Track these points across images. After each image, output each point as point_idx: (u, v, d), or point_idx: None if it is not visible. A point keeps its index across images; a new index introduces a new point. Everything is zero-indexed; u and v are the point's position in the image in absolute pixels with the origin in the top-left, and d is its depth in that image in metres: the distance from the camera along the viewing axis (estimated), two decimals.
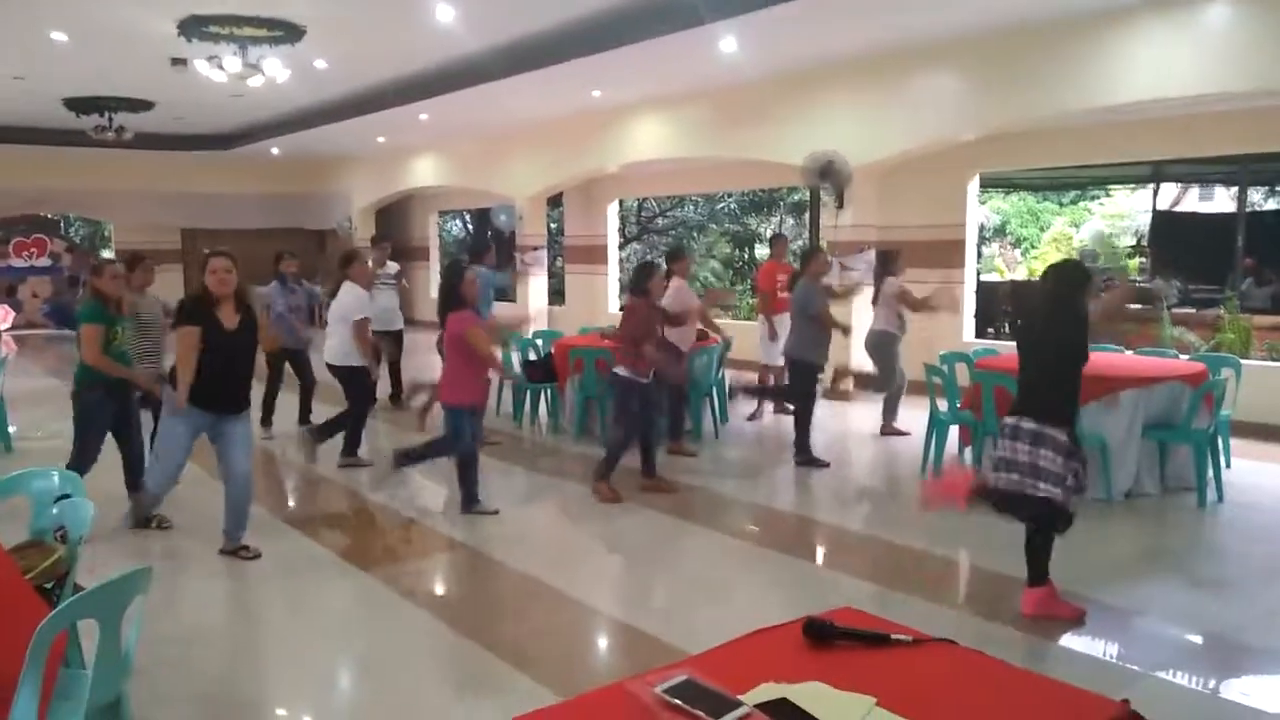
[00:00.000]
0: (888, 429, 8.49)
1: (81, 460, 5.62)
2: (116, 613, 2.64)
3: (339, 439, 7.55)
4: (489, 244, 20.65)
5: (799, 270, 8.05)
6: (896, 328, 8.29)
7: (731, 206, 20.98)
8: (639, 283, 6.70)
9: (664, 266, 7.35)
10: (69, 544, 3.33)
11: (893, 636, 2.19)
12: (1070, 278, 4.45)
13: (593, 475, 6.68)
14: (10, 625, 2.74)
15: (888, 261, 8.53)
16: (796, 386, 7.53)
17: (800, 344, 7.46)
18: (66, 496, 3.55)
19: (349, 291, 7.40)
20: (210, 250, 5.27)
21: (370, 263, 9.96)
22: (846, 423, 9.07)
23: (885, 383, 8.41)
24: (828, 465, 7.40)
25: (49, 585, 3.17)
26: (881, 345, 8.35)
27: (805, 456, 7.41)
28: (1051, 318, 4.39)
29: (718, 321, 9.03)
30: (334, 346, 7.36)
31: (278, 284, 8.39)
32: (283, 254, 8.69)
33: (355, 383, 7.40)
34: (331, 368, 7.39)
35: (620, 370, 6.55)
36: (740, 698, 1.79)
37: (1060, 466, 4.22)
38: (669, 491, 6.68)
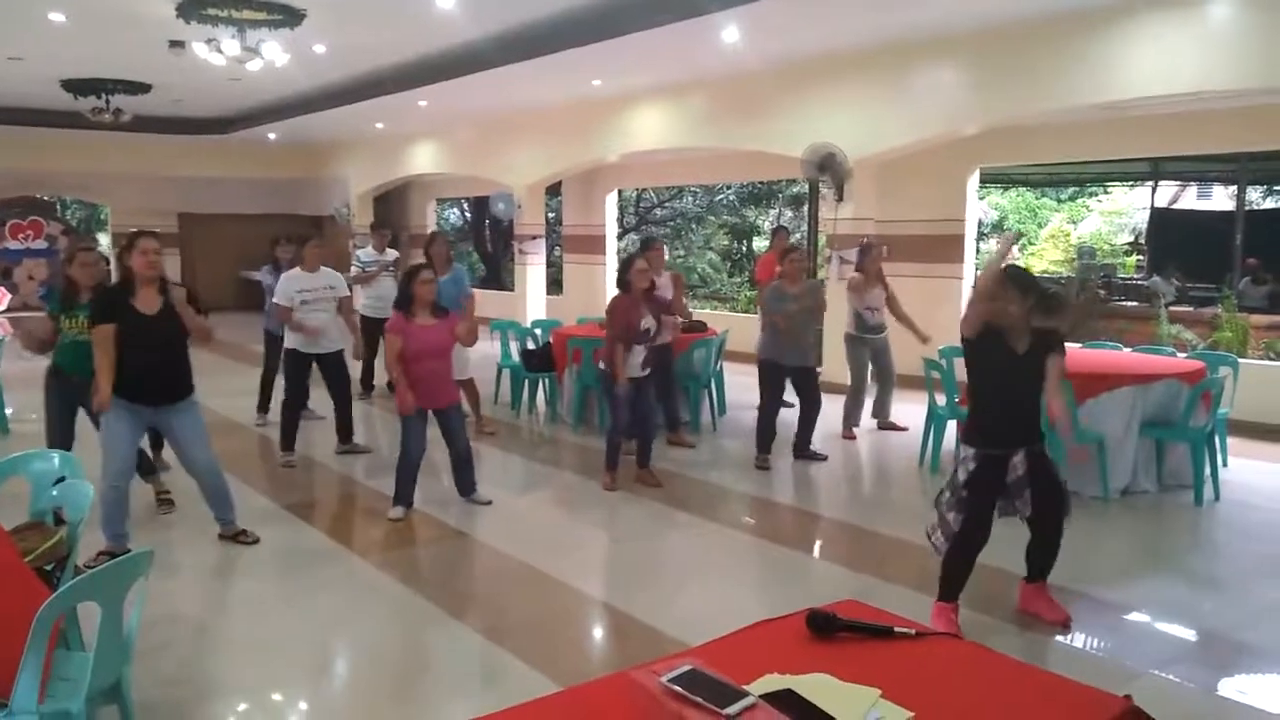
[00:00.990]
0: (884, 424, 8.47)
1: (50, 440, 5.49)
2: (119, 595, 2.64)
3: (332, 430, 7.55)
4: (484, 228, 20.63)
5: (780, 271, 7.72)
6: (856, 328, 8.07)
7: (730, 198, 20.96)
8: (619, 276, 6.72)
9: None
10: (69, 526, 3.33)
11: (896, 629, 2.20)
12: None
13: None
14: (8, 607, 2.73)
15: (860, 255, 8.33)
16: (761, 386, 7.32)
17: (766, 343, 7.24)
18: (61, 480, 3.55)
19: (286, 275, 7.36)
20: (138, 229, 5.03)
21: (370, 248, 10.03)
22: (840, 417, 9.03)
23: (852, 386, 8.21)
24: (825, 458, 7.39)
25: (49, 567, 3.17)
26: (848, 350, 8.20)
27: (764, 456, 7.25)
28: None
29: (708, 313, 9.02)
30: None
31: (269, 268, 8.36)
32: (279, 239, 8.66)
33: (331, 366, 7.34)
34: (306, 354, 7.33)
35: (603, 365, 6.61)
36: (746, 688, 1.79)
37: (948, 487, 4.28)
38: (655, 486, 6.65)
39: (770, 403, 7.30)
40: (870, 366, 8.23)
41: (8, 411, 8.18)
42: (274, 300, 7.37)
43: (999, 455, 4.15)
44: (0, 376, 8.14)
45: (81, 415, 5.53)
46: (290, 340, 7.25)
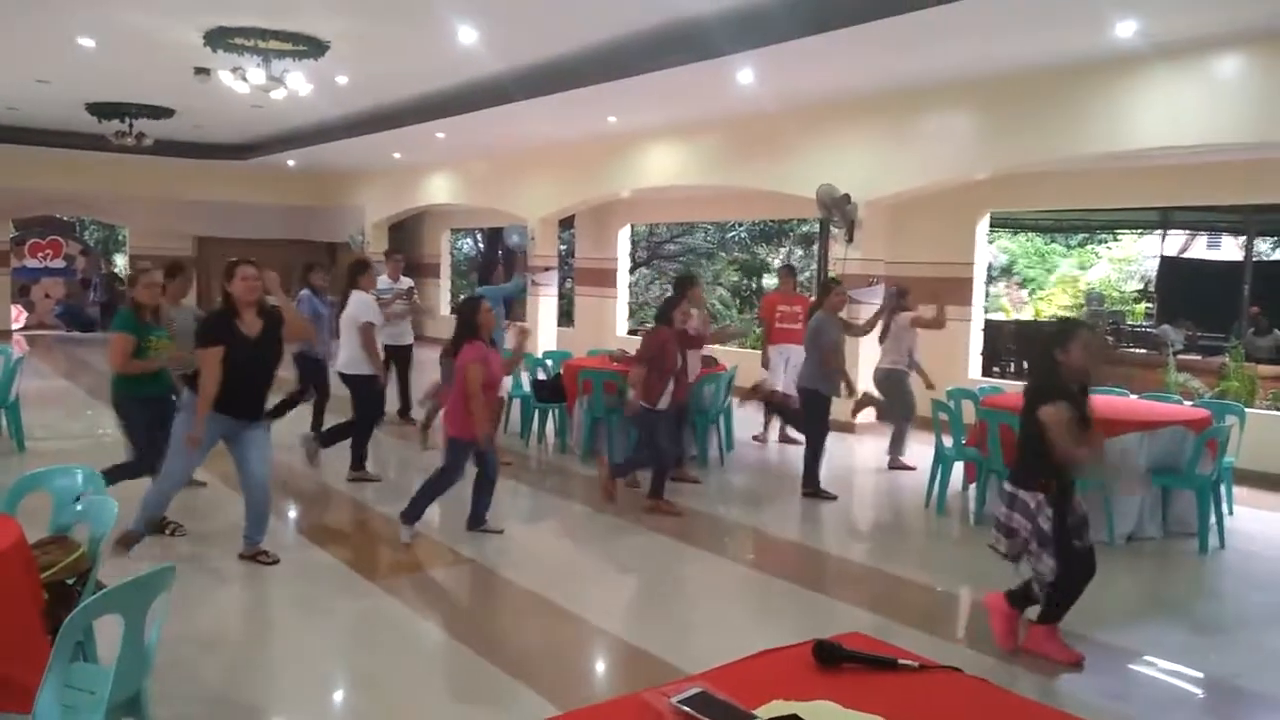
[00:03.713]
0: (894, 463, 8.53)
1: (143, 460, 5.76)
2: (142, 609, 2.70)
3: (345, 452, 7.61)
4: (498, 260, 20.81)
5: (816, 302, 8.10)
6: (906, 364, 8.35)
7: (741, 235, 21.11)
8: (662, 311, 7.05)
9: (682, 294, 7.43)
10: (91, 541, 3.39)
11: (900, 661, 2.25)
12: (1046, 337, 4.57)
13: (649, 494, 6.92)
14: (8, 619, 2.81)
15: (900, 296, 8.57)
16: (807, 417, 7.57)
17: (811, 374, 7.48)
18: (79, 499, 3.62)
19: (357, 299, 7.54)
20: (237, 258, 5.28)
21: (385, 276, 10.16)
22: (853, 456, 9.10)
23: (904, 414, 8.45)
24: (835, 498, 7.44)
25: (71, 581, 3.24)
26: (892, 381, 8.39)
27: (812, 488, 7.44)
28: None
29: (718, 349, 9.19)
30: (346, 355, 7.49)
31: (309, 293, 8.47)
32: (313, 265, 8.84)
33: (365, 391, 7.49)
34: (343, 376, 7.51)
35: (639, 403, 6.79)
36: (754, 712, 1.85)
37: (1021, 526, 4.39)
38: (674, 514, 6.74)
39: (820, 432, 7.47)
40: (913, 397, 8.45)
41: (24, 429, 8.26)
42: (366, 320, 7.46)
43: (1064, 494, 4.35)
44: (18, 394, 8.23)
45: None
46: (365, 366, 7.46)
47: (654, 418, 6.78)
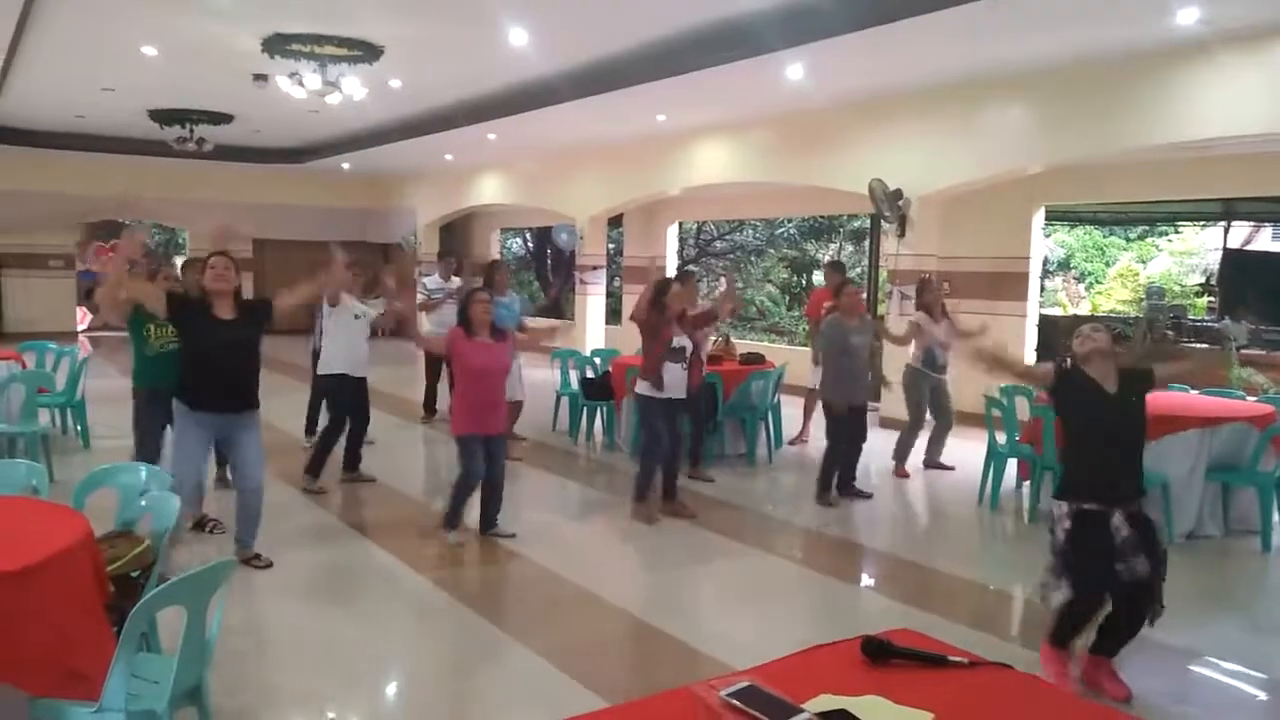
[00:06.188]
0: (930, 463, 8.33)
1: (140, 454, 5.77)
2: (203, 601, 2.78)
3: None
4: (496, 262, 20.92)
5: (831, 305, 7.72)
6: (924, 364, 8.01)
7: (791, 231, 20.99)
8: (655, 297, 6.62)
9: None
10: (154, 535, 3.50)
11: (950, 658, 2.24)
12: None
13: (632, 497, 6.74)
14: (76, 611, 2.90)
15: (919, 293, 8.30)
16: (826, 427, 7.30)
17: (826, 385, 7.23)
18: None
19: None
20: (211, 251, 5.31)
21: (437, 276, 10.33)
22: (889, 456, 8.92)
23: (912, 418, 8.13)
24: (870, 496, 7.33)
25: (135, 574, 3.34)
26: (908, 380, 8.11)
27: (824, 497, 7.18)
28: None
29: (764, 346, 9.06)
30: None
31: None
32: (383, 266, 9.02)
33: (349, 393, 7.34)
34: (328, 378, 7.38)
35: (638, 388, 6.65)
36: (802, 706, 1.86)
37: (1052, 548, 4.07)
38: (688, 516, 6.65)
39: (837, 443, 7.21)
40: (927, 405, 8.15)
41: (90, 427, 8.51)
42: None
43: (1095, 512, 3.93)
44: (84, 394, 8.47)
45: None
46: (342, 366, 7.22)
47: (653, 404, 6.57)
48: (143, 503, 3.65)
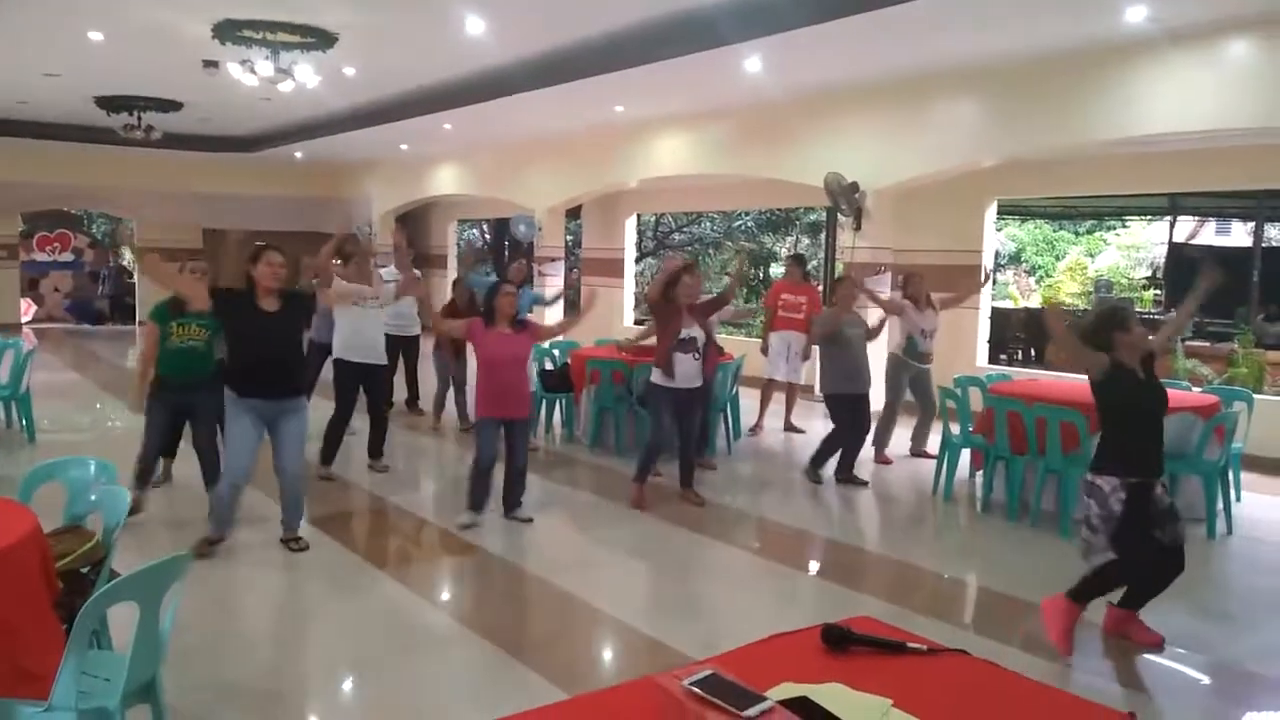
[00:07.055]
0: (916, 451, 8.50)
1: (148, 447, 5.99)
2: (157, 596, 2.73)
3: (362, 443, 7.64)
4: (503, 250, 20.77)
5: (831, 299, 8.01)
6: (905, 352, 8.20)
7: (748, 224, 21.09)
8: (664, 290, 6.76)
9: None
10: (105, 530, 3.43)
11: (908, 644, 2.27)
12: (1101, 323, 4.56)
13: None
14: (24, 608, 2.84)
15: (906, 284, 8.50)
16: (836, 421, 7.53)
17: (826, 378, 7.46)
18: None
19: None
20: (264, 243, 5.34)
21: (393, 266, 10.16)
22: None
23: (885, 409, 8.33)
24: (866, 484, 7.49)
25: (85, 570, 3.27)
26: (889, 371, 8.36)
27: (813, 473, 7.49)
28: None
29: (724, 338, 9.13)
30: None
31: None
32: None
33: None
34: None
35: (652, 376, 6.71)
36: (764, 694, 1.87)
37: (1093, 514, 4.36)
38: (697, 505, 6.75)
39: (841, 431, 7.43)
40: (909, 395, 8.32)
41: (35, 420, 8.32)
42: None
43: (1141, 484, 4.30)
44: (28, 387, 8.28)
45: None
46: (353, 354, 7.19)
47: (664, 393, 6.64)
48: (93, 497, 3.58)
